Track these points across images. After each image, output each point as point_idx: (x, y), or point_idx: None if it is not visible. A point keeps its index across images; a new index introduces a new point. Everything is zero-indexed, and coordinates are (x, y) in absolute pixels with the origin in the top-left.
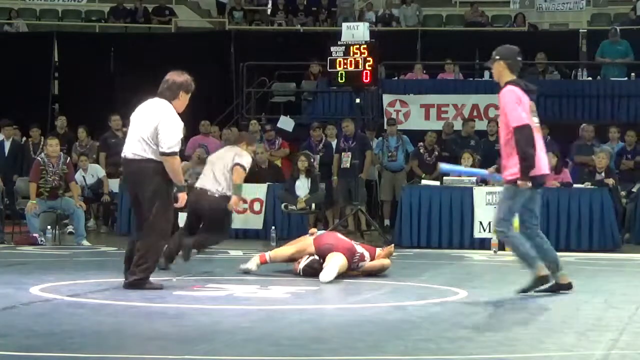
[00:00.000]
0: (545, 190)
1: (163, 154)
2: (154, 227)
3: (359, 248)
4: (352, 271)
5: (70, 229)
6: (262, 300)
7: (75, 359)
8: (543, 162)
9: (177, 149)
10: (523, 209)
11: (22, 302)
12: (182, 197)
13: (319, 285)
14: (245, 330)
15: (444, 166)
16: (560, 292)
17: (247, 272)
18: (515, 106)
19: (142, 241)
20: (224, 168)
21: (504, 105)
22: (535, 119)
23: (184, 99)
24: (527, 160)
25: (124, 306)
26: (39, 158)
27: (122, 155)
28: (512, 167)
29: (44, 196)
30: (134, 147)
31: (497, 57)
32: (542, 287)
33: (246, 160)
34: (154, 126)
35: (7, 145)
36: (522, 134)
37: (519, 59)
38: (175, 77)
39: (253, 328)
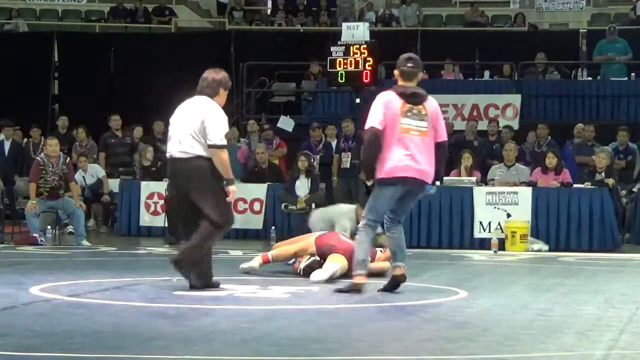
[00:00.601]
0: (546, 190)
1: (213, 146)
2: (211, 220)
3: None
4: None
5: (70, 229)
6: (262, 300)
7: (75, 359)
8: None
9: (225, 141)
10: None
11: (22, 302)
12: (233, 190)
13: (319, 285)
14: (245, 330)
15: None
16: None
17: (248, 271)
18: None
19: (197, 231)
20: None
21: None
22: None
23: (223, 96)
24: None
25: (124, 306)
26: (38, 158)
27: (168, 154)
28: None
29: (43, 196)
30: (181, 145)
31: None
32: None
33: None
34: (200, 120)
35: (7, 145)
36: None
37: (410, 65)
38: (214, 74)
39: (253, 328)
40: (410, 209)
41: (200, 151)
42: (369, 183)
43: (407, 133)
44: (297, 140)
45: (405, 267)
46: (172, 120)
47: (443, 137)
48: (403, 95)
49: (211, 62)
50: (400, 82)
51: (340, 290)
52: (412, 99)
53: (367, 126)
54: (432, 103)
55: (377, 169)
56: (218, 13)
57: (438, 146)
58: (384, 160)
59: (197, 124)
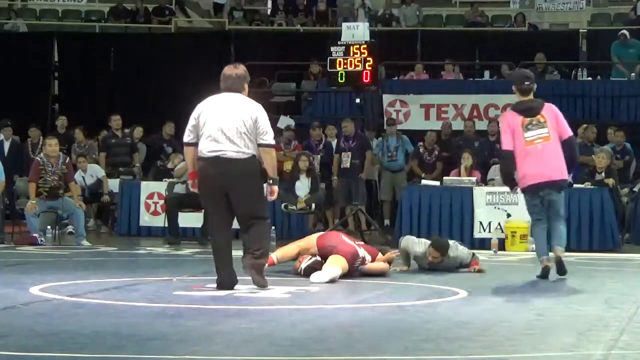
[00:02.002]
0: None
1: (267, 145)
2: (263, 217)
3: (362, 251)
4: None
5: (70, 229)
6: (262, 300)
7: (75, 359)
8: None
9: (274, 141)
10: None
11: (22, 302)
12: (275, 190)
13: (319, 286)
14: (245, 331)
15: None
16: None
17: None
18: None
19: (255, 232)
20: None
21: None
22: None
23: (247, 90)
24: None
25: (124, 306)
26: (38, 158)
27: (214, 154)
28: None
29: (43, 196)
30: (234, 144)
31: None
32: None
33: None
34: (252, 120)
35: (7, 145)
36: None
37: (527, 83)
38: (235, 70)
39: (253, 328)
40: (561, 206)
41: (253, 150)
42: (513, 192)
43: (532, 145)
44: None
45: (547, 259)
46: (208, 118)
47: (567, 133)
48: (521, 111)
49: (211, 62)
50: (519, 98)
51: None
52: (529, 112)
53: (502, 148)
54: (548, 109)
55: (519, 181)
56: (215, 13)
57: (564, 143)
58: (519, 173)
59: (250, 123)
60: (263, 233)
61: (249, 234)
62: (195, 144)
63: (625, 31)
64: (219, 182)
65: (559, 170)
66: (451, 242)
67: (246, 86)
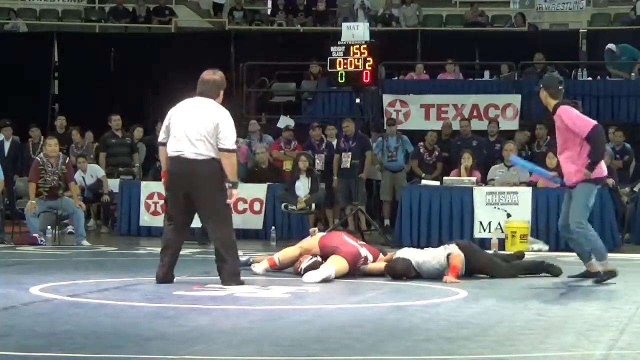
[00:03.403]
0: (546, 190)
1: (227, 150)
2: (225, 223)
3: (364, 251)
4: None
5: (70, 229)
6: (262, 300)
7: (75, 359)
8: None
9: (235, 146)
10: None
11: (22, 302)
12: (236, 193)
13: (319, 286)
14: (245, 330)
15: (514, 158)
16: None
17: (254, 274)
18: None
19: (219, 244)
20: None
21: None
22: None
23: (221, 97)
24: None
25: (123, 306)
26: (38, 158)
27: (177, 154)
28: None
29: (43, 196)
30: (194, 146)
31: (541, 86)
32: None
33: None
34: (214, 124)
35: (7, 145)
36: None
37: (561, 87)
38: (213, 76)
39: (253, 328)
40: (574, 208)
41: (213, 154)
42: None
43: None
44: (297, 140)
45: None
46: (176, 119)
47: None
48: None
49: (211, 62)
50: (554, 100)
51: (597, 280)
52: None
53: (590, 127)
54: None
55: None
56: (214, 13)
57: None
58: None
59: (210, 127)
60: (226, 243)
61: (215, 248)
62: (166, 144)
63: (611, 46)
64: (180, 181)
65: (568, 172)
66: (407, 253)
67: (221, 93)
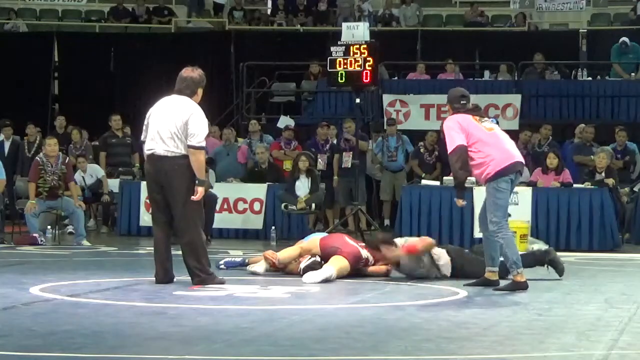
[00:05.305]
0: (546, 190)
1: (193, 147)
2: (192, 222)
3: (365, 252)
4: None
5: (70, 229)
6: (262, 300)
7: (75, 359)
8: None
9: (204, 143)
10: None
11: (22, 302)
12: (201, 192)
13: (319, 286)
14: (245, 330)
15: None
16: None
17: (254, 274)
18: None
19: (186, 240)
20: None
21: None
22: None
23: (200, 94)
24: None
25: (124, 306)
26: (37, 158)
27: (150, 152)
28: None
29: (42, 196)
30: (165, 143)
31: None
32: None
33: None
34: (183, 121)
35: (7, 145)
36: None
37: (463, 102)
38: (191, 73)
39: (253, 328)
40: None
41: (183, 151)
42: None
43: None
44: (297, 140)
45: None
46: (153, 118)
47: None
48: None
49: (211, 62)
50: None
51: (499, 289)
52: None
53: (451, 147)
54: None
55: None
56: (215, 13)
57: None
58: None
59: (180, 124)
60: (195, 244)
61: (183, 251)
62: None
63: (626, 39)
64: (154, 178)
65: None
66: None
67: (199, 90)
